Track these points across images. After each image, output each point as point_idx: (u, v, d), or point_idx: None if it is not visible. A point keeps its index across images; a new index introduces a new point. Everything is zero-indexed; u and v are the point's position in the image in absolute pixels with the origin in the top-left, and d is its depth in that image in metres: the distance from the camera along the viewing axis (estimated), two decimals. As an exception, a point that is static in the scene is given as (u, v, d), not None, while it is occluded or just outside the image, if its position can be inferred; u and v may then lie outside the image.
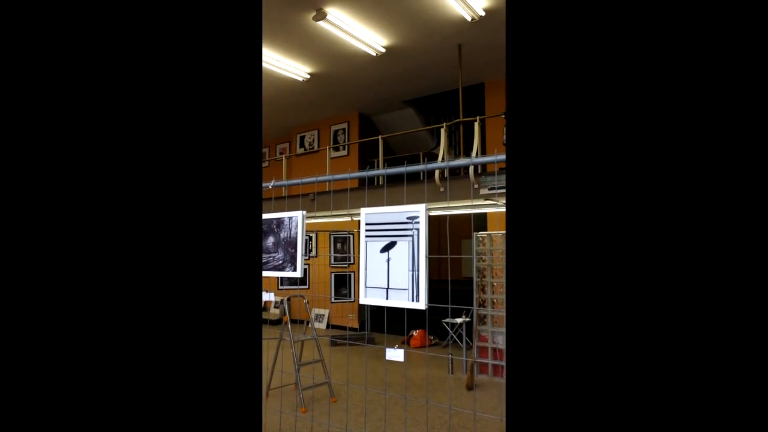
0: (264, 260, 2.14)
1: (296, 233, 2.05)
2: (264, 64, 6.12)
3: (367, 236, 1.87)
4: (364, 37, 5.46)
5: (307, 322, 4.86)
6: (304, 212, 2.05)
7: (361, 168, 8.10)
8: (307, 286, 5.79)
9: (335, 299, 7.00)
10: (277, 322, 8.25)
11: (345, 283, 6.61)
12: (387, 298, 1.80)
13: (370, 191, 4.91)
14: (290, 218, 2.09)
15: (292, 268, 2.03)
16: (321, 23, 5.07)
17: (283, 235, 2.09)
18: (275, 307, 8.74)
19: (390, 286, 1.81)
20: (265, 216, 2.18)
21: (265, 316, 8.64)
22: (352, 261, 7.10)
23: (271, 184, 2.20)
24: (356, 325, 7.83)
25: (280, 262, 2.09)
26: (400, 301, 1.78)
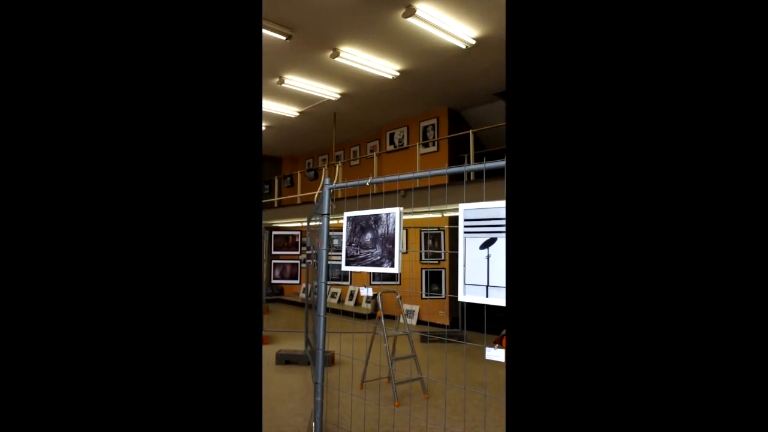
0: (362, 256, 2.19)
1: (393, 229, 2.06)
2: (354, 65, 6.27)
3: (466, 232, 1.83)
4: (454, 30, 5.37)
5: (399, 317, 4.91)
6: (401, 208, 2.06)
7: (451, 164, 8.01)
8: (398, 282, 5.85)
9: (426, 295, 7.00)
10: (369, 317, 8.44)
11: (436, 280, 6.58)
12: (487, 296, 1.75)
13: (461, 186, 4.83)
14: (387, 214, 2.11)
15: (390, 263, 2.05)
16: (410, 20, 5.07)
17: (380, 231, 2.12)
18: (367, 302, 8.96)
19: (490, 284, 1.75)
20: (362, 212, 2.22)
21: (357, 310, 8.88)
22: (443, 257, 7.04)
23: (369, 180, 2.24)
24: (447, 322, 7.77)
25: (378, 257, 2.12)
26: (501, 299, 1.71)
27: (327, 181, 2.42)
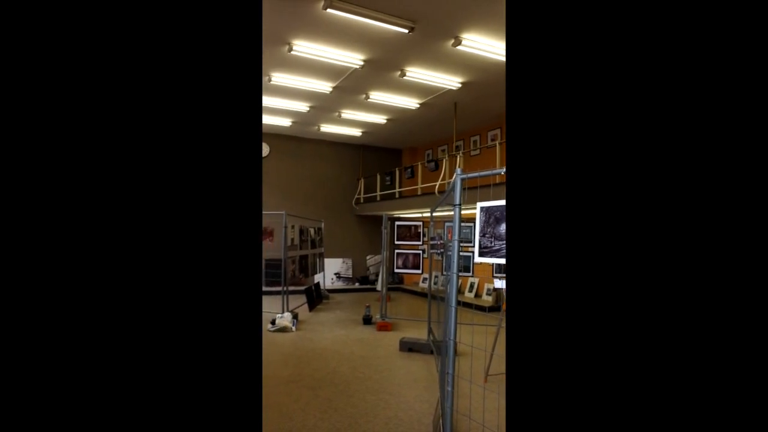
0: (497, 247, 2.14)
1: (531, 220, 1.98)
2: (476, 52, 6.11)
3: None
4: (588, 4, 4.94)
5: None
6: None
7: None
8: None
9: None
10: (492, 309, 8.27)
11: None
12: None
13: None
14: (524, 205, 2.02)
15: (527, 255, 1.97)
16: (539, -2, 4.79)
17: (516, 221, 2.05)
18: (488, 294, 8.78)
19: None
20: (497, 203, 2.17)
21: (478, 302, 8.75)
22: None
23: (504, 169, 2.18)
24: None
25: (514, 249, 2.05)
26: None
27: (459, 170, 2.39)
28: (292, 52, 6.17)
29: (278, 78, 7.27)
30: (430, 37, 5.80)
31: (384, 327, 6.58)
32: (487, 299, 8.73)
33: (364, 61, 6.55)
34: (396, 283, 11.62)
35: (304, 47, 6.08)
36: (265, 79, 7.32)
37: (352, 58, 6.46)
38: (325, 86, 7.63)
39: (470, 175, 2.33)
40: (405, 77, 7.07)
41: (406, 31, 5.51)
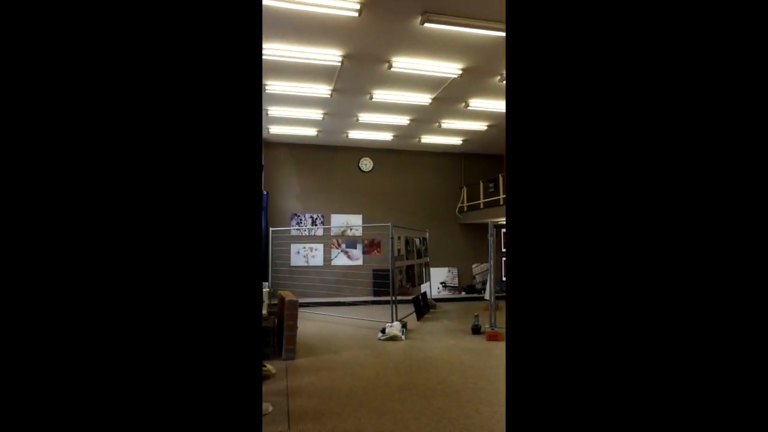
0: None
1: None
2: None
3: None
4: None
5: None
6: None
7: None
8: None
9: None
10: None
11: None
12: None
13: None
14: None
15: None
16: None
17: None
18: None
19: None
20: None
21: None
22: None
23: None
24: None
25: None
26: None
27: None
28: (392, 69, 6.37)
29: (379, 95, 7.55)
30: (531, 37, 5.63)
31: (494, 337, 6.43)
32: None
33: (462, 69, 6.54)
34: (504, 292, 11.27)
35: (403, 63, 6.25)
36: (366, 97, 7.65)
37: (450, 68, 6.49)
38: (424, 98, 7.75)
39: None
40: (505, 81, 6.92)
41: (505, 34, 5.40)
